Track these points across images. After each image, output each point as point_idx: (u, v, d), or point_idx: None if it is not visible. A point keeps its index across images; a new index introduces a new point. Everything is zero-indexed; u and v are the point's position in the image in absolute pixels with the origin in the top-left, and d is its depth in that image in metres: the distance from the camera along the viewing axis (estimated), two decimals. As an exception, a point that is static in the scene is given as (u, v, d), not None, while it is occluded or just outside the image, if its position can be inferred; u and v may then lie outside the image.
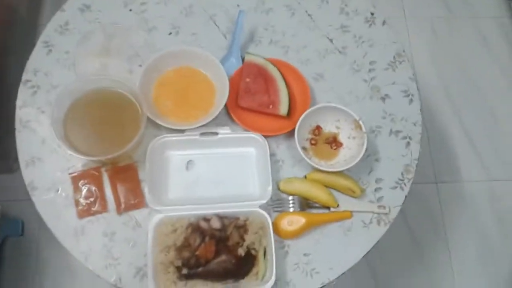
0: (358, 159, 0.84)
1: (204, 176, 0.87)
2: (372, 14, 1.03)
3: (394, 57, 0.99)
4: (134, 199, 0.85)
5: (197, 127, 0.87)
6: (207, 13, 1.01)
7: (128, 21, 0.99)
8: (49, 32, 0.97)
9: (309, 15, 1.02)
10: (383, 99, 0.96)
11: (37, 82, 0.93)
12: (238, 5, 1.01)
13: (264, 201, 0.83)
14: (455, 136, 1.50)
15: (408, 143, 0.93)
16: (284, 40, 0.99)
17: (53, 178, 0.86)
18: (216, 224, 0.79)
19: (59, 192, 0.85)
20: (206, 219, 0.80)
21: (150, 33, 0.98)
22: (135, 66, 0.95)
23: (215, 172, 0.87)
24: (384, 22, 1.02)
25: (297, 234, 0.84)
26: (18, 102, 0.91)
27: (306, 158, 0.84)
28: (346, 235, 0.86)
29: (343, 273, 0.84)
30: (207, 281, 0.78)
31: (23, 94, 0.92)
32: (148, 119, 0.84)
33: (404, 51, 1.00)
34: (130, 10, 1.00)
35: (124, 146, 0.80)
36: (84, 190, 0.85)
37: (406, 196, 0.89)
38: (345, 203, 0.87)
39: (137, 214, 0.85)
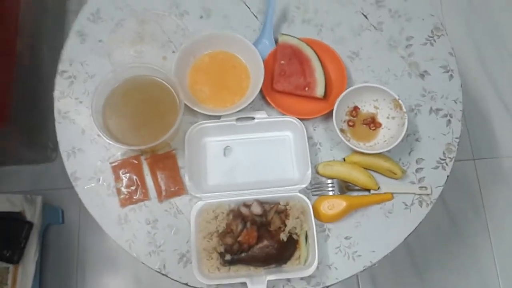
0: (399, 140, 0.82)
1: (242, 161, 0.87)
2: (409, -14, 0.99)
3: (432, 31, 0.96)
4: (175, 187, 0.86)
5: (233, 113, 0.87)
6: (238, -6, 0.99)
7: (159, 6, 0.98)
8: (81, 21, 0.97)
9: (342, -10, 0.99)
10: (422, 76, 0.93)
11: (73, 72, 0.93)
12: (269, -16, 0.98)
13: (303, 186, 0.82)
14: (493, 110, 1.45)
15: (449, 121, 0.90)
16: (317, 18, 0.97)
17: (94, 168, 0.88)
18: (257, 209, 0.80)
19: (100, 181, 0.87)
20: (247, 205, 0.81)
21: (181, 18, 0.97)
22: (169, 53, 0.94)
23: (253, 157, 0.87)
24: (421, -5, 0.98)
25: (338, 217, 0.84)
26: (56, 93, 0.92)
27: (344, 141, 0.83)
28: (388, 217, 0.85)
29: (385, 255, 0.83)
30: (249, 266, 0.79)
31: (60, 85, 0.93)
32: (186, 106, 0.84)
33: (442, 24, 0.96)
34: (161, -5, 0.99)
35: (162, 135, 0.80)
36: (125, 179, 0.86)
37: (448, 176, 0.87)
38: (386, 185, 0.86)
39: (178, 201, 0.86)
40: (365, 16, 0.97)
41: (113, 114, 0.84)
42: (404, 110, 0.84)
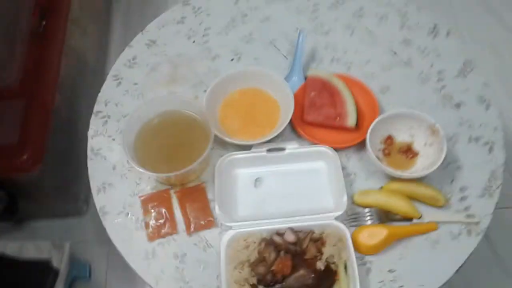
0: (439, 163, 0.78)
1: (273, 192, 0.84)
2: (435, 27, 1.00)
3: (463, 64, 0.95)
4: (204, 219, 0.82)
5: (264, 143, 0.86)
6: (267, 38, 1.02)
7: (192, 52, 1.02)
8: (118, 66, 1.01)
9: (369, 31, 1.01)
10: (457, 106, 0.91)
11: (108, 112, 0.96)
12: (297, 28, 1.01)
13: (340, 213, 0.78)
14: None
15: (491, 148, 0.86)
16: (346, 57, 0.98)
17: (124, 202, 0.86)
18: (290, 237, 0.75)
19: (129, 215, 0.85)
20: (280, 234, 0.76)
21: (213, 61, 1.00)
22: (200, 92, 0.96)
23: (285, 188, 0.84)
24: (448, 33, 0.99)
25: (379, 248, 0.77)
26: (90, 132, 0.94)
27: (381, 165, 0.80)
28: (434, 248, 0.78)
29: (443, 284, 0.75)
30: (285, 299, 0.73)
31: (94, 124, 0.95)
32: (215, 139, 0.84)
33: (472, 59, 0.96)
34: (194, 41, 1.03)
35: (192, 163, 0.79)
36: (154, 212, 0.84)
37: (496, 204, 0.81)
38: (429, 214, 0.80)
39: (207, 234, 0.82)
40: (394, 53, 0.98)
41: (144, 146, 0.85)
42: (442, 133, 0.81)
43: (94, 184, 0.88)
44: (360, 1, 1.05)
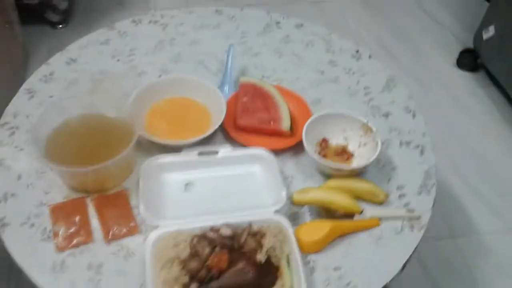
0: (376, 154, 0.76)
1: (206, 196, 0.76)
2: (357, 51, 1.05)
3: (387, 81, 0.99)
4: (126, 226, 0.72)
5: (194, 146, 0.80)
6: (196, 58, 1.00)
7: (117, 69, 0.97)
8: (32, 80, 0.93)
9: (296, 55, 1.03)
10: (385, 115, 0.92)
11: (16, 123, 0.85)
12: (225, 51, 1.01)
13: (279, 206, 0.72)
14: (459, 191, 1.43)
15: (422, 152, 0.86)
16: (275, 75, 0.98)
17: (28, 213, 0.73)
18: (226, 231, 0.67)
19: (34, 226, 0.72)
20: (214, 230, 0.67)
21: (139, 77, 0.96)
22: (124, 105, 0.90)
23: (218, 192, 0.77)
24: (370, 56, 1.04)
25: (322, 244, 0.71)
26: (-7, 143, 0.82)
27: (321, 160, 0.77)
28: (378, 244, 0.73)
29: (385, 286, 0.69)
30: (222, 300, 0.62)
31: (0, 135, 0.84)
32: (142, 145, 0.77)
33: (395, 77, 1.00)
34: (118, 60, 0.99)
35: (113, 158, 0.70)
36: (65, 221, 0.72)
37: (434, 200, 0.79)
38: (370, 211, 0.76)
39: (130, 242, 0.71)
40: (321, 73, 1.00)
41: (58, 144, 0.75)
42: (375, 130, 0.80)
43: (-7, 195, 0.75)
44: (286, 30, 1.09)
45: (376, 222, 0.75)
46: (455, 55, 1.81)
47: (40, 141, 0.74)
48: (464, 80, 1.74)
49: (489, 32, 1.55)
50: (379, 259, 0.71)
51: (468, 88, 1.72)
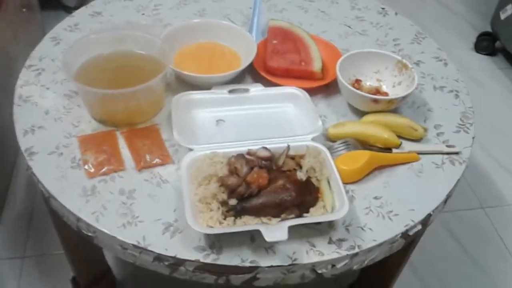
0: (414, 85, 0.74)
1: (238, 132, 0.74)
2: (383, 8, 1.04)
3: (415, 35, 0.97)
4: (158, 155, 0.69)
5: (224, 84, 0.78)
6: (221, 13, 0.99)
7: (142, 21, 0.96)
8: (56, 30, 0.92)
9: (322, 11, 1.02)
10: (416, 64, 0.90)
11: (42, 66, 0.84)
12: (250, 8, 1.00)
13: (317, 134, 0.69)
14: (486, 165, 1.41)
15: (457, 95, 0.84)
16: (303, 28, 0.97)
17: (57, 143, 0.71)
18: (264, 153, 0.64)
19: (63, 155, 0.70)
20: (252, 153, 0.65)
21: (165, 28, 0.94)
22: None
23: (251, 128, 0.75)
24: (396, 13, 1.03)
25: (361, 173, 0.68)
26: (19, 82, 0.81)
27: (357, 92, 0.74)
28: (419, 177, 0.70)
29: (429, 214, 0.66)
30: (261, 217, 0.59)
31: (25, 76, 0.82)
32: (171, 86, 0.76)
33: (423, 31, 0.99)
34: (143, 14, 0.98)
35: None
36: (95, 150, 0.70)
37: (473, 138, 0.77)
38: (409, 146, 0.74)
39: (162, 170, 0.69)
40: (349, 27, 0.98)
41: (88, 73, 0.74)
42: (411, 66, 0.78)
43: (20, 128, 0.73)
44: (310, -10, 1.08)
45: (416, 156, 0.72)
46: (472, 41, 1.81)
47: (70, 69, 0.72)
48: (483, 63, 1.74)
49: (507, 11, 1.54)
50: (420, 190, 0.69)
51: (486, 70, 1.71)
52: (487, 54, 1.76)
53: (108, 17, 0.96)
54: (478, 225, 1.26)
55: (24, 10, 1.59)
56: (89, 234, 0.63)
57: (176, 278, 0.61)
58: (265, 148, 0.65)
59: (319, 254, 0.60)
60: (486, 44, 1.75)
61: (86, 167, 0.68)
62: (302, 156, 0.65)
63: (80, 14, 0.97)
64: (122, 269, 1.09)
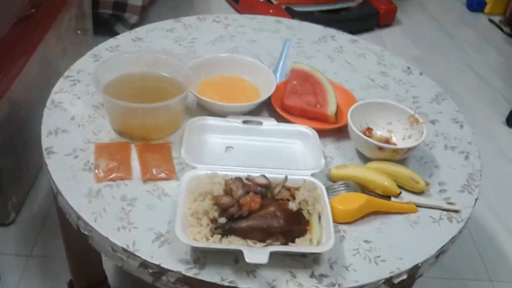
0: (423, 137, 0.76)
1: (244, 160, 0.77)
2: (409, 68, 1.07)
3: (436, 95, 0.99)
4: (165, 170, 0.73)
5: (240, 115, 0.82)
6: (252, 52, 1.05)
7: (177, 50, 1.03)
8: (99, 48, 1.00)
9: (348, 63, 1.06)
10: (432, 122, 0.92)
11: (79, 78, 0.91)
12: (280, 51, 1.05)
13: (317, 170, 0.71)
14: (500, 235, 1.36)
15: (467, 157, 0.85)
16: (326, 76, 1.01)
17: (75, 147, 0.76)
18: (261, 180, 0.67)
19: (78, 158, 0.75)
20: (250, 179, 0.68)
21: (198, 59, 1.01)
22: (179, 77, 0.94)
23: (258, 158, 0.78)
24: (421, 73, 1.05)
25: (355, 215, 0.69)
26: (55, 89, 0.88)
27: (364, 137, 0.77)
28: (414, 228, 0.71)
29: (417, 265, 0.66)
30: (247, 240, 0.61)
31: (61, 83, 0.89)
32: (191, 110, 0.81)
33: (445, 92, 1.01)
34: (180, 44, 1.05)
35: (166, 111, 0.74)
36: (107, 157, 0.74)
37: (476, 200, 0.77)
38: (408, 197, 0.75)
39: (165, 185, 0.72)
40: (372, 80, 1.02)
41: (115, 88, 0.80)
42: (422, 121, 0.80)
43: (45, 129, 0.79)
44: (340, 42, 1.13)
45: (414, 208, 0.73)
46: (505, 114, 1.80)
47: (100, 82, 0.78)
48: (513, 138, 1.72)
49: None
50: (413, 240, 0.69)
51: (517, 145, 1.69)
52: (519, 129, 1.75)
53: (148, 43, 1.04)
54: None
55: (78, 32, 1.72)
56: (86, 232, 0.67)
57: None
58: (264, 176, 0.68)
59: (298, 285, 0.61)
60: (518, 119, 1.74)
61: (96, 171, 0.72)
62: (297, 188, 0.67)
63: (123, 37, 1.05)
64: (118, 281, 1.11)
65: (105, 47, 1.01)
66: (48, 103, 0.84)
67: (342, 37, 1.15)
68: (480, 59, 2.18)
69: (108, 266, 1.11)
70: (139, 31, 1.08)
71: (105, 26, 1.89)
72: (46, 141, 0.77)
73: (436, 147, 0.86)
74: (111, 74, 0.82)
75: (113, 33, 1.06)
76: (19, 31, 1.16)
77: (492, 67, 2.13)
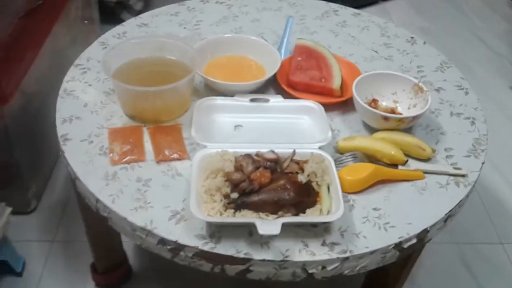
0: (427, 106, 0.77)
1: (254, 137, 0.79)
2: (412, 37, 1.07)
3: (440, 63, 1.00)
4: (177, 151, 0.76)
5: (247, 93, 0.84)
6: (255, 31, 1.06)
7: (182, 33, 1.04)
8: (106, 36, 1.02)
9: (352, 36, 1.07)
10: (437, 90, 0.93)
11: (89, 66, 0.93)
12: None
13: (324, 143, 0.73)
14: (510, 199, 1.38)
15: (473, 122, 0.86)
16: (330, 50, 1.02)
17: (89, 132, 0.79)
18: (270, 155, 0.69)
19: (93, 143, 0.77)
20: (259, 154, 0.70)
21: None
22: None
23: (267, 135, 0.80)
24: (425, 42, 1.06)
25: (363, 184, 0.71)
26: (66, 78, 0.90)
27: (371, 109, 0.78)
28: (421, 194, 0.73)
29: (426, 230, 0.68)
30: (259, 213, 0.64)
31: (72, 72, 0.91)
32: (199, 91, 0.83)
33: (449, 60, 1.01)
34: (185, 28, 1.07)
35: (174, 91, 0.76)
36: (121, 141, 0.77)
37: (483, 163, 0.78)
38: (415, 164, 0.76)
39: (178, 165, 0.75)
40: (376, 51, 1.02)
41: (124, 74, 0.82)
42: (426, 89, 0.81)
43: (59, 117, 0.82)
44: (343, 17, 1.13)
45: (421, 175, 0.75)
46: None
47: (109, 68, 0.80)
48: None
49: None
50: (420, 206, 0.71)
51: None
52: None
53: (154, 28, 1.06)
54: (495, 261, 1.23)
55: (85, 22, 1.74)
56: (105, 214, 0.70)
57: (189, 271, 0.66)
58: (273, 151, 0.70)
59: (311, 254, 0.63)
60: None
61: (111, 155, 0.75)
62: (306, 161, 0.69)
63: (130, 24, 1.06)
64: (139, 261, 1.15)
65: (112, 34, 1.03)
66: (61, 92, 0.87)
67: (345, 12, 1.15)
68: (486, 26, 2.16)
69: (129, 247, 1.15)
70: (144, 17, 1.09)
71: (112, 15, 1.90)
72: (61, 129, 0.80)
73: (442, 114, 0.87)
74: (119, 60, 0.84)
75: (120, 21, 1.07)
76: (27, 24, 1.18)
77: (498, 34, 2.11)
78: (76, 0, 1.53)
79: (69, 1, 1.43)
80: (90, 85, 0.89)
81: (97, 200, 0.70)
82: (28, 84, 1.18)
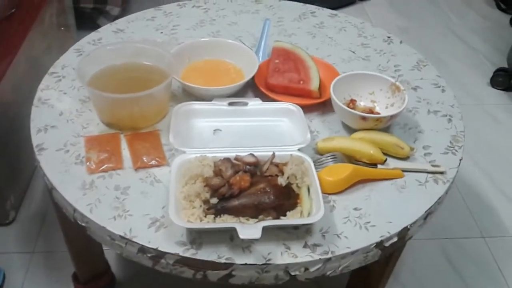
0: (404, 104, 0.78)
1: (232, 141, 0.79)
2: (389, 37, 1.08)
3: (417, 62, 1.01)
4: (155, 157, 0.75)
5: (225, 97, 0.83)
6: (233, 35, 1.06)
7: (159, 38, 1.03)
8: (81, 43, 1.00)
9: (329, 37, 1.07)
10: (414, 89, 0.93)
11: (63, 73, 0.92)
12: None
13: (304, 145, 0.73)
14: (490, 194, 1.40)
15: (450, 120, 0.87)
16: (308, 52, 1.02)
17: (65, 141, 0.78)
18: (250, 159, 0.69)
19: (69, 152, 0.76)
20: (239, 158, 0.69)
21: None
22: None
23: (245, 138, 0.79)
24: (401, 42, 1.07)
25: (343, 185, 0.71)
26: (41, 86, 0.89)
27: (349, 110, 0.78)
28: (401, 192, 0.73)
29: (406, 228, 0.68)
30: (239, 218, 0.63)
31: (46, 81, 0.90)
32: (177, 96, 0.82)
33: (425, 59, 1.02)
34: (161, 32, 1.06)
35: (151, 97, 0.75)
36: (98, 149, 0.76)
37: (460, 160, 0.79)
38: (394, 163, 0.77)
39: (157, 171, 0.74)
40: (353, 52, 1.03)
41: (99, 81, 0.81)
42: (403, 88, 0.82)
43: (34, 126, 0.81)
44: (320, 18, 1.14)
45: (400, 173, 0.75)
46: (489, 76, 1.82)
47: (84, 76, 0.79)
48: (498, 98, 1.74)
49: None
50: (400, 204, 0.71)
51: (501, 105, 1.71)
52: (503, 90, 1.77)
53: (130, 34, 1.04)
54: (478, 255, 1.25)
55: (62, 28, 1.72)
56: (83, 224, 0.69)
57: (173, 277, 0.65)
58: (252, 155, 0.69)
59: (293, 256, 0.63)
60: (502, 79, 1.76)
61: (88, 163, 0.74)
62: (285, 164, 0.68)
63: (105, 30, 1.05)
64: (122, 269, 1.14)
65: (87, 41, 1.01)
66: (35, 100, 0.85)
67: (322, 13, 1.16)
68: (462, 23, 2.19)
69: (111, 256, 1.13)
70: (120, 22, 1.08)
71: (88, 21, 1.88)
72: (36, 139, 0.78)
73: (419, 112, 0.88)
74: (95, 67, 0.83)
75: (97, 27, 1.06)
76: (0, 32, 1.16)
77: (474, 30, 2.14)
78: (51, 7, 1.51)
79: (44, 8, 1.41)
80: (65, 93, 0.88)
81: (75, 210, 0.69)
82: (2, 93, 1.16)
